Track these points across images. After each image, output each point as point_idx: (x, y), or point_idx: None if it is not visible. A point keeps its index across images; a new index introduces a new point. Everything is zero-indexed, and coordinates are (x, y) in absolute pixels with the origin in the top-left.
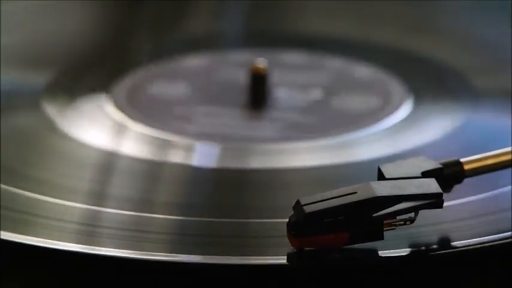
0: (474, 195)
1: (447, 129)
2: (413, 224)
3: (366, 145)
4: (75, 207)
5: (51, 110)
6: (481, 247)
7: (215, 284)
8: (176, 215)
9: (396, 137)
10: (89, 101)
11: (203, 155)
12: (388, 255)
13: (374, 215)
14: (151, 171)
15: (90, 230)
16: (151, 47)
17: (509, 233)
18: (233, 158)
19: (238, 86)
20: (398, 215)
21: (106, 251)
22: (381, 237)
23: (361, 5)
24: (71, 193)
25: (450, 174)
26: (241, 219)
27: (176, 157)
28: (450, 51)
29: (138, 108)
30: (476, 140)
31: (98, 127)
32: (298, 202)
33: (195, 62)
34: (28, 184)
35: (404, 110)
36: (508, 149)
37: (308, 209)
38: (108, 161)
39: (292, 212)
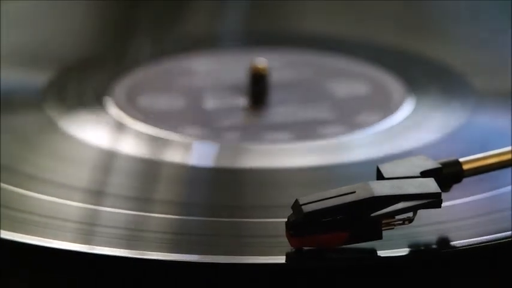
0: (473, 195)
1: (447, 129)
2: (412, 223)
3: (365, 145)
4: (74, 206)
5: (51, 109)
6: (480, 247)
7: (214, 283)
8: (175, 214)
9: (396, 137)
10: (89, 101)
11: (202, 155)
12: (387, 255)
13: (372, 214)
14: (150, 170)
15: (88, 229)
16: (151, 46)
17: (509, 232)
18: (232, 158)
19: (238, 86)
20: (397, 214)
21: (105, 250)
22: (380, 237)
23: (361, 5)
24: (70, 192)
25: (449, 174)
26: (240, 219)
27: (175, 156)
28: (450, 51)
29: (138, 107)
30: (476, 140)
31: (98, 126)
32: (296, 201)
33: (195, 61)
34: (28, 183)
35: (404, 110)
36: (507, 148)
37: (307, 208)
38: (108, 160)
39: (291, 212)
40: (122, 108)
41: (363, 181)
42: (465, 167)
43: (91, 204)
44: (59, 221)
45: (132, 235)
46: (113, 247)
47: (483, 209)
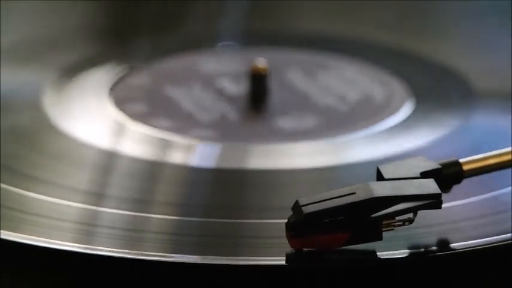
0: (473, 196)
1: (447, 130)
2: (413, 224)
3: (365, 146)
4: (74, 207)
5: (50, 109)
6: (480, 248)
7: (213, 284)
8: (175, 215)
9: (396, 138)
10: (89, 101)
11: (202, 155)
12: (387, 256)
13: (373, 215)
14: (150, 171)
15: (88, 229)
16: (151, 46)
17: (510, 234)
18: (232, 158)
19: (238, 86)
20: (397, 215)
21: (104, 250)
22: (380, 238)
23: (361, 5)
24: (70, 192)
25: (449, 175)
26: (240, 220)
27: (175, 157)
28: (450, 51)
29: (138, 107)
30: (476, 140)
31: (98, 127)
32: (297, 203)
33: (195, 61)
34: (27, 183)
35: (404, 110)
36: (507, 149)
37: (307, 209)
38: (108, 161)
39: (291, 213)
40: (121, 108)
41: (363, 182)
42: (465, 167)
43: (90, 204)
44: (59, 222)
45: (133, 236)
46: (113, 248)
47: (483, 210)
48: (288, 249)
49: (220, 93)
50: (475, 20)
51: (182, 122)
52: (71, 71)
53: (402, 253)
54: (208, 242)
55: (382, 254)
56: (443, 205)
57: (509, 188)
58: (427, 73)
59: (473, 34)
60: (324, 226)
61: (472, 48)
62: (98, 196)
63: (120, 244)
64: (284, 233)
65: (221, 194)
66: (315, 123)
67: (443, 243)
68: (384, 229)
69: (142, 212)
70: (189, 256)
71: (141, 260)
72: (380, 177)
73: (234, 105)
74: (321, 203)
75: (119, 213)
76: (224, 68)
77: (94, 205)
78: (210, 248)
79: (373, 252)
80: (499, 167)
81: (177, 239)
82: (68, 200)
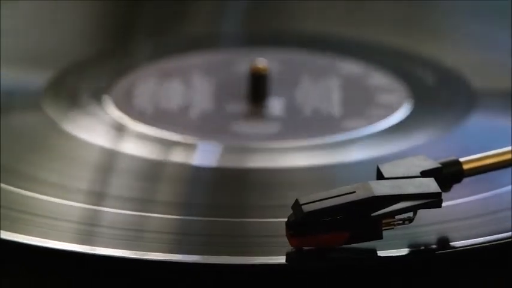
0: (473, 194)
1: (447, 129)
2: (412, 223)
3: (365, 145)
4: (75, 207)
5: (51, 109)
6: (480, 247)
7: (214, 283)
8: (176, 215)
9: (396, 137)
10: (89, 101)
11: (203, 155)
12: (387, 255)
13: (373, 214)
14: (151, 171)
15: (89, 229)
16: (151, 46)
17: (509, 233)
18: (233, 158)
19: (238, 85)
20: (397, 214)
21: (106, 250)
22: (380, 237)
23: (360, 5)
24: (70, 192)
25: (449, 174)
26: (241, 219)
27: (176, 156)
28: (450, 51)
29: (138, 107)
30: (475, 140)
31: (98, 126)
32: (297, 201)
33: (195, 61)
34: (28, 183)
35: (404, 109)
36: (507, 148)
37: (307, 208)
38: (108, 161)
39: (291, 212)
40: (121, 108)
41: (363, 181)
42: (465, 166)
43: (91, 204)
44: (60, 222)
45: (133, 236)
46: (114, 248)
47: (483, 209)
48: (288, 248)
49: (220, 93)
50: (475, 20)
51: (182, 121)
52: (71, 71)
53: (402, 252)
54: (209, 242)
55: (382, 253)
56: (443, 204)
57: (509, 187)
58: (427, 72)
59: (473, 34)
60: (323, 225)
61: (472, 48)
62: (98, 196)
63: (121, 244)
64: (284, 232)
65: (221, 193)
66: (315, 122)
67: (443, 242)
68: (383, 228)
69: (144, 212)
70: (190, 256)
71: (142, 259)
72: (380, 176)
73: (234, 105)
74: (321, 201)
75: (119, 213)
76: (224, 68)
77: (95, 205)
78: (210, 247)
79: (373, 251)
80: (499, 166)
81: (178, 239)
82: (69, 200)
